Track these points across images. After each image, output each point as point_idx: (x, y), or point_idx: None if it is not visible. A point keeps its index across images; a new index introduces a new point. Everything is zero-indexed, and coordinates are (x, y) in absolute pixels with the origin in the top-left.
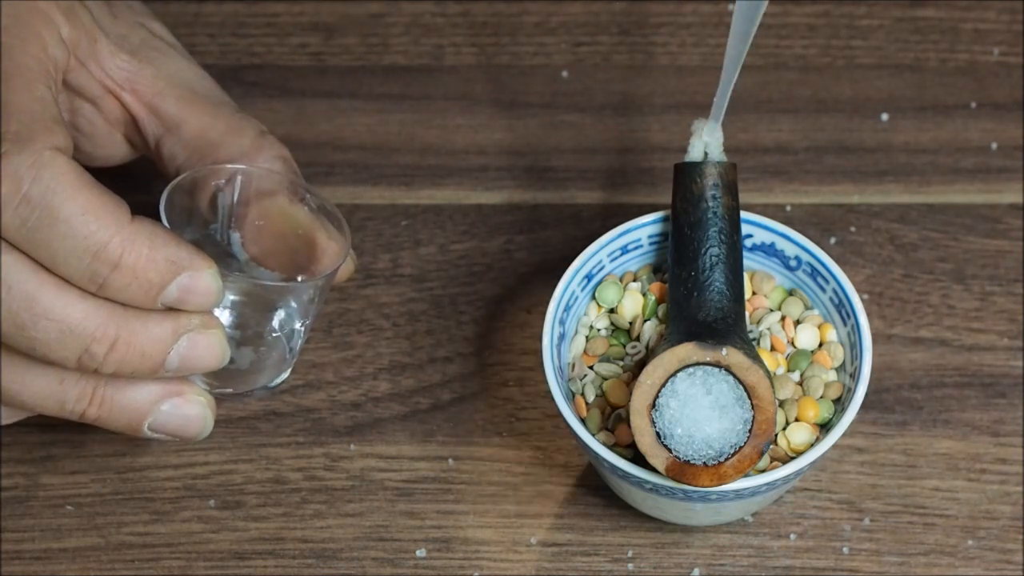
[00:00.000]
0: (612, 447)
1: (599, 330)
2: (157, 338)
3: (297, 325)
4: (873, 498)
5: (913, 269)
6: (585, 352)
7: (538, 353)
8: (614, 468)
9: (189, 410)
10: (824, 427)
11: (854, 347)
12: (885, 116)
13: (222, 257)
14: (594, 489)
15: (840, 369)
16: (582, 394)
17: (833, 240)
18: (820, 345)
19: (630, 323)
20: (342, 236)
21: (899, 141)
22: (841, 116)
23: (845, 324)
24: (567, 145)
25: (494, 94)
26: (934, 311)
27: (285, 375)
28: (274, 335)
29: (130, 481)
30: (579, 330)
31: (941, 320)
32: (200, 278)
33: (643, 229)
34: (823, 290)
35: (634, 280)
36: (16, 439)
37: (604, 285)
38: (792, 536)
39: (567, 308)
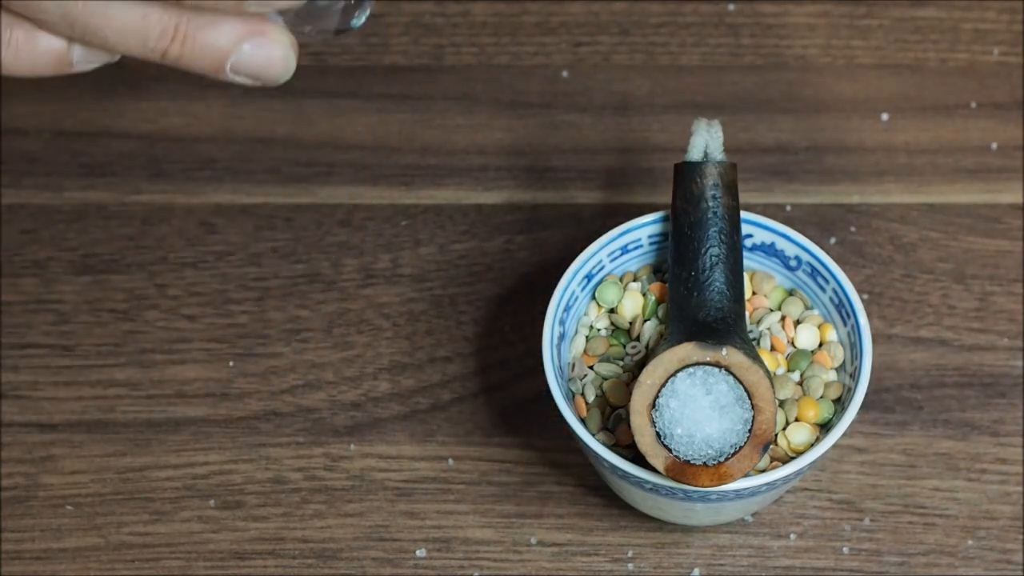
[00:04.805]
0: (612, 447)
1: (599, 330)
2: None
3: None
4: (873, 498)
5: (913, 269)
6: (585, 352)
7: (538, 353)
8: (614, 468)
9: (272, 50)
10: (824, 427)
11: (854, 347)
12: (885, 116)
13: None
14: (594, 489)
15: (840, 369)
16: (582, 394)
17: (833, 240)
18: (820, 345)
19: (630, 323)
20: None
21: (899, 141)
22: (841, 116)
23: (845, 324)
24: (567, 145)
25: (494, 94)
26: (934, 311)
27: (366, 14)
28: None
29: (130, 481)
30: (579, 330)
31: (941, 320)
32: None
33: (643, 229)
34: (823, 290)
35: (634, 280)
36: (16, 439)
37: (604, 285)
38: (792, 536)
39: (567, 308)
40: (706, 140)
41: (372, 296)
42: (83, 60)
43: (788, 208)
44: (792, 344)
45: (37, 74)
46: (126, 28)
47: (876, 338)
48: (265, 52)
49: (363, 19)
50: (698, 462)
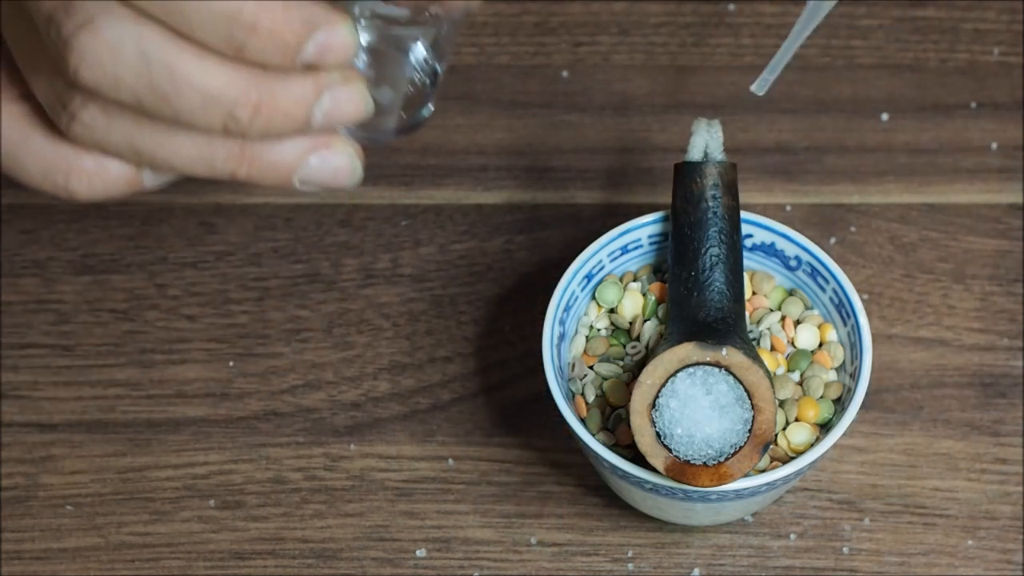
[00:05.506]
0: (612, 447)
1: (599, 330)
2: (299, 98)
3: (435, 59)
4: (873, 498)
5: (913, 269)
6: (585, 352)
7: (538, 353)
8: (614, 468)
9: (337, 161)
10: (824, 427)
11: (854, 347)
12: (885, 116)
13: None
14: (594, 489)
15: (840, 369)
16: (582, 394)
17: (833, 240)
18: (820, 345)
19: (630, 323)
20: None
21: (899, 141)
22: (841, 116)
23: (845, 324)
24: (567, 145)
25: (494, 94)
26: (934, 311)
27: (429, 110)
28: (412, 71)
29: (130, 481)
30: (579, 330)
31: (941, 320)
32: (335, 34)
33: (643, 229)
34: (823, 290)
35: (634, 280)
36: (16, 439)
37: (604, 285)
38: (792, 536)
39: (567, 308)
40: (706, 140)
41: (372, 296)
42: (154, 180)
43: (788, 208)
44: (792, 344)
45: (110, 197)
46: (193, 156)
47: (876, 338)
48: (331, 164)
49: (425, 117)
50: (698, 462)
